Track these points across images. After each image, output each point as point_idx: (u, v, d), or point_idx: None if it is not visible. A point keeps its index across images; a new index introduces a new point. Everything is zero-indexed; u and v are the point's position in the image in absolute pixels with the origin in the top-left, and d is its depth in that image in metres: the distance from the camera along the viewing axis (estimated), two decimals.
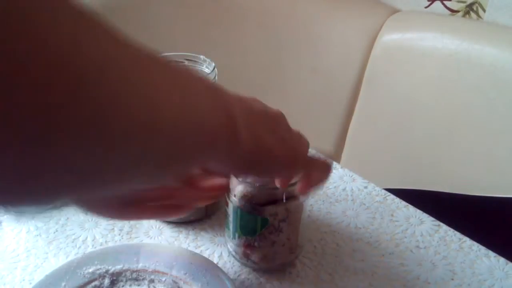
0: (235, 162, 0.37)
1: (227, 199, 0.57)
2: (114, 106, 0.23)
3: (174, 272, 0.56)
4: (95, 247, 0.62)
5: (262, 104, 0.42)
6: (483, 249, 0.64)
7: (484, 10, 1.02)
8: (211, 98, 0.33)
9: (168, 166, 0.30)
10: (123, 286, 0.55)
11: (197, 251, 0.62)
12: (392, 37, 1.04)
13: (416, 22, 1.05)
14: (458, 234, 0.66)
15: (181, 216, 0.58)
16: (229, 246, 0.61)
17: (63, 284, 0.54)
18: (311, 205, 0.70)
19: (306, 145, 0.45)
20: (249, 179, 0.55)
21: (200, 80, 0.34)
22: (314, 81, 1.16)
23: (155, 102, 0.26)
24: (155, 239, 0.64)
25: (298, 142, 0.44)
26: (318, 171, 0.48)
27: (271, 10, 1.15)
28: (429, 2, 1.09)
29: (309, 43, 1.14)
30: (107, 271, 0.56)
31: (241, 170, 0.40)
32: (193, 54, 0.65)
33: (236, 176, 0.54)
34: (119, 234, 0.64)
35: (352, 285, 0.58)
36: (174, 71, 0.31)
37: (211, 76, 0.62)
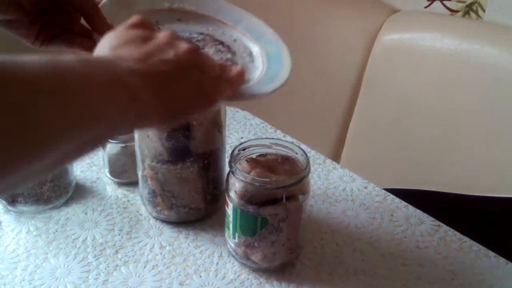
0: (150, 124, 0.41)
1: (227, 199, 0.57)
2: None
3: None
4: (94, 247, 0.62)
5: (172, 47, 0.41)
6: (483, 249, 0.64)
7: (483, 10, 1.02)
8: (107, 81, 0.35)
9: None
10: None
11: (197, 251, 0.62)
12: (391, 37, 1.04)
13: (415, 22, 1.05)
14: (458, 234, 0.66)
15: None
16: (229, 246, 0.60)
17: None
18: (311, 205, 0.70)
19: (224, 68, 0.46)
20: (249, 179, 0.55)
21: (92, 66, 0.35)
22: (313, 81, 1.16)
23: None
24: (155, 239, 0.64)
25: (214, 76, 0.44)
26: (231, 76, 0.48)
27: (271, 10, 1.15)
28: (428, 2, 1.09)
29: (309, 43, 1.14)
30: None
31: (163, 124, 0.42)
32: None
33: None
34: (119, 234, 0.64)
35: (352, 285, 0.58)
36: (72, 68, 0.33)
37: None
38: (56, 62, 0.32)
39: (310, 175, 0.58)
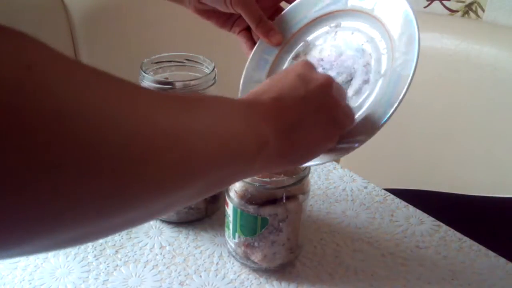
0: (273, 169, 0.41)
1: (227, 199, 0.57)
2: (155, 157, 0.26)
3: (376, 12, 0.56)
4: (95, 247, 0.62)
5: (304, 83, 0.42)
6: (483, 249, 0.64)
7: (483, 10, 1.02)
8: (241, 123, 0.35)
9: (208, 191, 0.34)
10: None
11: (197, 251, 0.62)
12: None
13: None
14: (458, 234, 0.66)
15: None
16: (229, 246, 0.60)
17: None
18: (311, 205, 0.70)
19: (349, 116, 0.46)
20: (248, 179, 0.55)
21: (228, 106, 0.36)
22: None
23: (192, 152, 0.29)
24: (155, 239, 0.64)
25: (338, 116, 0.44)
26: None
27: None
28: (428, 2, 1.09)
29: None
30: None
31: (283, 167, 0.43)
32: (193, 54, 0.65)
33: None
34: (119, 234, 0.64)
35: (352, 285, 0.58)
36: (206, 112, 0.33)
37: (211, 76, 0.62)
38: (200, 98, 0.33)
39: (310, 175, 0.58)
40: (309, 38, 0.60)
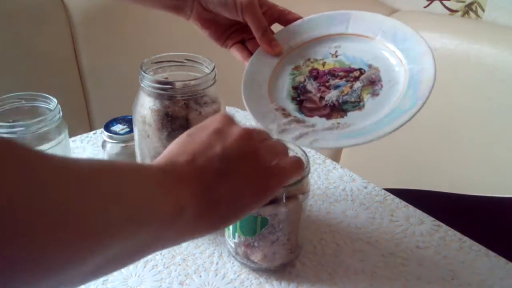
0: (197, 235, 0.38)
1: None
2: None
3: (378, 38, 0.59)
4: None
5: (221, 139, 0.40)
6: (483, 249, 0.64)
7: (483, 10, 1.02)
8: (155, 189, 0.34)
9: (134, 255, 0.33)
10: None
11: (197, 251, 0.62)
12: None
13: (415, 21, 1.05)
14: (458, 234, 0.66)
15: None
16: (229, 246, 0.60)
17: None
18: (311, 205, 0.70)
19: (276, 155, 0.43)
20: None
21: (140, 173, 0.35)
22: None
23: (86, 225, 0.28)
24: None
25: (265, 168, 0.41)
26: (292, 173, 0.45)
27: None
28: (428, 2, 1.09)
29: None
30: None
31: (211, 231, 0.40)
32: (193, 54, 0.65)
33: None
34: None
35: (352, 285, 0.58)
36: (108, 177, 0.31)
37: (211, 76, 0.62)
38: (108, 166, 0.32)
39: (310, 175, 0.58)
40: (309, 54, 0.62)
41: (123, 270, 0.59)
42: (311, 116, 0.56)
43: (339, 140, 0.52)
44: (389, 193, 0.73)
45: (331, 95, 0.57)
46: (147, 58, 0.63)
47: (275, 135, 0.52)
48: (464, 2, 1.04)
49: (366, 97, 0.56)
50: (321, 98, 0.57)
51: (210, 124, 0.42)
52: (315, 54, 0.62)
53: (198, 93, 0.60)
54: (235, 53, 0.65)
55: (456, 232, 0.66)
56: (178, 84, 0.60)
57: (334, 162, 0.81)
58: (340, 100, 0.56)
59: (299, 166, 0.45)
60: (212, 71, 0.62)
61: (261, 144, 0.42)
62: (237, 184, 0.38)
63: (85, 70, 1.21)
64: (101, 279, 0.58)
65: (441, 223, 0.68)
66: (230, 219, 0.40)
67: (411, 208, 0.71)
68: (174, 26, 1.12)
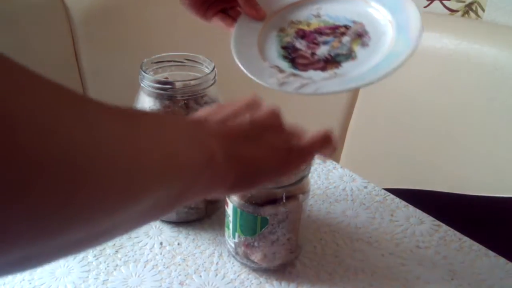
0: (223, 188, 0.39)
1: (227, 199, 0.57)
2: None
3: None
4: (94, 247, 0.62)
5: (251, 111, 0.43)
6: (483, 249, 0.64)
7: (483, 10, 1.02)
8: (186, 137, 0.35)
9: (157, 208, 0.32)
10: None
11: (197, 251, 0.62)
12: None
13: None
14: (458, 234, 0.66)
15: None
16: (229, 246, 0.60)
17: None
18: (311, 205, 0.70)
19: (300, 137, 0.45)
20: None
21: (172, 121, 0.37)
22: None
23: (138, 166, 0.28)
24: (155, 238, 0.64)
25: (288, 142, 0.44)
26: (320, 148, 0.47)
27: None
28: (428, 2, 1.09)
29: None
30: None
31: (233, 191, 0.42)
32: (193, 54, 0.65)
33: (232, 194, 0.56)
34: None
35: (352, 285, 0.58)
36: (152, 125, 0.33)
37: (211, 76, 0.62)
38: (144, 112, 0.33)
39: (310, 174, 0.58)
40: (292, 17, 0.62)
41: (123, 269, 0.59)
42: (306, 71, 0.56)
43: (343, 84, 0.52)
44: (389, 193, 0.73)
45: (322, 50, 0.57)
46: (147, 58, 0.63)
47: (276, 88, 0.52)
48: (464, 2, 1.04)
49: (357, 48, 0.56)
50: (313, 53, 0.57)
51: (241, 100, 0.44)
52: (298, 16, 0.61)
53: (198, 93, 0.60)
54: (217, 23, 0.63)
55: (456, 232, 0.66)
56: (178, 84, 0.60)
57: (334, 162, 0.81)
58: (332, 54, 0.56)
59: (324, 144, 0.46)
60: (212, 71, 0.62)
61: (285, 124, 0.45)
62: (261, 151, 0.41)
63: (85, 70, 1.21)
64: (101, 279, 0.58)
65: (441, 223, 0.68)
66: (252, 181, 0.42)
67: (411, 208, 0.71)
68: (174, 26, 1.12)
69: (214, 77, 0.62)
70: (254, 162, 0.40)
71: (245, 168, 0.40)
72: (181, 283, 0.58)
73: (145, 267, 0.60)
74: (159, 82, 0.60)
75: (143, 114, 0.33)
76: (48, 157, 0.21)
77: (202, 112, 0.43)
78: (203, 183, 0.36)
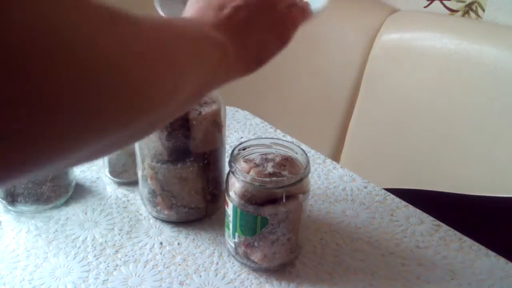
0: (238, 73, 0.43)
1: (227, 198, 0.57)
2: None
3: None
4: (94, 247, 0.62)
5: None
6: (483, 249, 0.64)
7: (483, 10, 1.02)
8: (200, 33, 0.38)
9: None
10: None
11: (197, 251, 0.62)
12: (391, 36, 1.05)
13: (415, 21, 1.05)
14: (458, 234, 0.66)
15: None
16: (229, 246, 0.60)
17: None
18: (311, 205, 0.70)
19: (292, 6, 0.47)
20: (248, 179, 0.55)
21: (185, 20, 0.40)
22: (313, 81, 1.16)
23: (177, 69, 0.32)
24: (155, 238, 0.64)
25: (286, 19, 0.46)
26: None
27: None
28: (428, 2, 1.09)
29: (309, 42, 1.14)
30: None
31: (248, 73, 0.45)
32: None
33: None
34: (119, 234, 0.64)
35: (352, 285, 0.58)
36: (171, 21, 0.36)
37: None
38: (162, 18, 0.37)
39: (310, 175, 0.58)
40: None
41: (123, 269, 0.59)
42: None
43: None
44: (389, 193, 0.73)
45: None
46: None
47: None
48: (464, 2, 1.04)
49: None
50: None
51: None
52: None
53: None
54: None
55: (456, 232, 0.66)
56: None
57: (334, 162, 0.81)
58: None
59: (306, 13, 0.49)
60: None
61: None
62: (261, 33, 0.44)
63: None
64: (101, 279, 0.58)
65: (441, 223, 0.68)
66: (261, 61, 0.45)
67: (411, 208, 0.71)
68: None
69: None
70: (258, 46, 0.44)
71: (253, 54, 0.43)
72: (181, 283, 0.58)
73: (145, 267, 0.60)
74: None
75: (168, 22, 0.35)
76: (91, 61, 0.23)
77: (195, 5, 0.43)
78: (222, 73, 0.40)
